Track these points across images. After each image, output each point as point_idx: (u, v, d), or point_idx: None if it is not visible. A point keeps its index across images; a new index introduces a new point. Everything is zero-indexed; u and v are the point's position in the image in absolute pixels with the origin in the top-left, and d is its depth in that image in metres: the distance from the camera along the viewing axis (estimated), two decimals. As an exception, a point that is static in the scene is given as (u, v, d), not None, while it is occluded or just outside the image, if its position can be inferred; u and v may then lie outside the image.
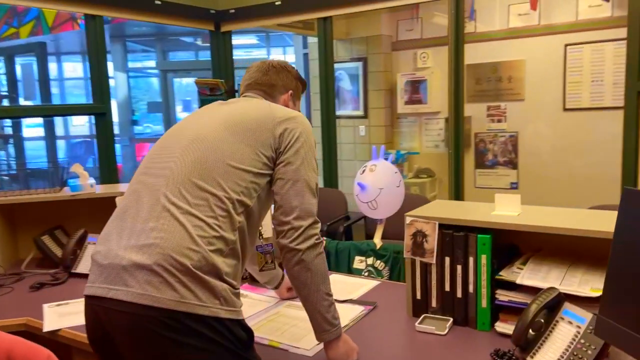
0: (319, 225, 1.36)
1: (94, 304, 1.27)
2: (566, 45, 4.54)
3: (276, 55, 9.07)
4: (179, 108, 9.57)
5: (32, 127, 9.11)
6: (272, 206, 1.43)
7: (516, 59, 4.80)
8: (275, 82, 1.55)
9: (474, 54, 4.59)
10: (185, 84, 10.40)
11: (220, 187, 1.28)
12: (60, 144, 9.39)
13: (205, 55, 9.52)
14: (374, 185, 2.23)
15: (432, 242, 1.65)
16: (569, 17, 4.52)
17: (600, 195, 4.03)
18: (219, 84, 3.66)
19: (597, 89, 4.46)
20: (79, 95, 10.79)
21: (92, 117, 3.45)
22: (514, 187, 4.92)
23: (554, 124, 4.67)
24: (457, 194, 3.36)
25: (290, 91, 1.58)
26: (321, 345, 1.43)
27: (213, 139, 1.34)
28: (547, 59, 4.63)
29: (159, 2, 3.61)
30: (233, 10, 4.06)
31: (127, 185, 2.74)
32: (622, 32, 4.21)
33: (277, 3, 3.84)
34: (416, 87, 5.30)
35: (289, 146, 1.36)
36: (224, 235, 1.26)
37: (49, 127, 6.43)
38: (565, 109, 4.61)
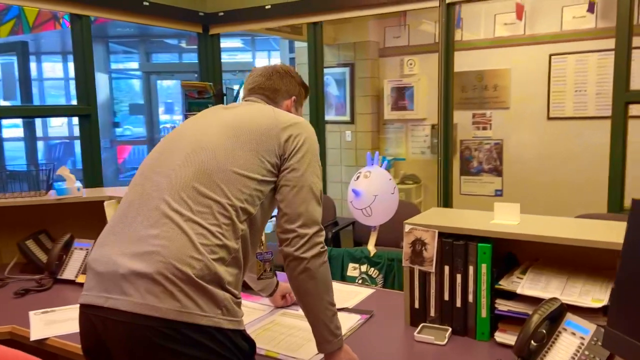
0: (324, 233, 1.34)
1: (90, 313, 1.22)
2: (551, 55, 4.60)
3: (261, 59, 9.04)
4: (160, 110, 9.46)
5: (9, 128, 8.93)
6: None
7: (502, 67, 4.85)
8: (278, 87, 1.53)
9: (460, 61, 4.60)
10: (166, 87, 10.30)
11: (224, 194, 1.25)
12: (38, 146, 9.20)
13: (189, 58, 9.45)
14: (368, 191, 2.22)
15: (431, 251, 1.64)
16: (553, 28, 4.58)
17: (584, 203, 4.08)
18: (208, 87, 3.62)
19: (581, 99, 4.53)
20: (57, 95, 10.61)
21: (72, 118, 3.36)
22: (498, 194, 4.96)
23: (538, 133, 4.73)
24: (446, 200, 3.37)
25: (294, 97, 1.56)
26: (319, 356, 1.41)
27: (217, 144, 1.31)
28: (532, 68, 4.69)
29: (147, 3, 3.56)
30: (222, 13, 4.03)
31: (111, 189, 2.68)
32: (606, 44, 4.32)
33: (267, 7, 3.82)
34: (402, 94, 5.32)
35: (293, 152, 1.34)
36: (227, 244, 1.23)
37: (30, 128, 6.28)
38: (549, 118, 4.67)
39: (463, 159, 5.09)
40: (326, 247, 1.35)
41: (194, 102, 3.66)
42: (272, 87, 1.53)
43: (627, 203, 2.87)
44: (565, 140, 4.59)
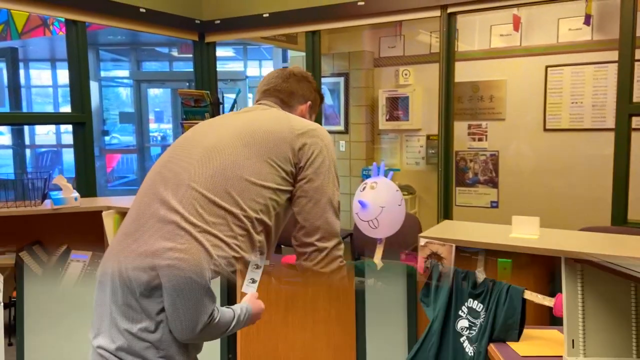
0: (343, 246, 1.28)
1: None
2: (547, 66, 4.61)
3: (253, 68, 8.99)
4: (150, 119, 9.36)
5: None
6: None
7: (497, 78, 4.85)
8: (295, 90, 1.47)
9: (456, 72, 4.62)
10: (154, 96, 10.18)
11: (237, 205, 1.19)
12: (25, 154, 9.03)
13: (180, 67, 9.36)
14: (375, 203, 2.16)
15: (447, 265, 1.59)
16: (550, 40, 4.59)
17: (581, 215, 4.06)
18: (204, 95, 3.56)
19: (577, 111, 4.54)
20: (43, 103, 10.45)
21: (59, 126, 3.25)
22: (494, 205, 4.94)
23: (534, 144, 4.72)
24: (446, 212, 3.33)
25: (309, 102, 1.50)
26: None
27: (230, 152, 1.25)
28: (528, 79, 4.69)
29: (144, 10, 3.50)
30: (218, 21, 3.98)
31: (107, 199, 2.59)
32: (602, 56, 4.33)
33: (264, 15, 3.78)
34: (397, 104, 5.30)
35: (310, 162, 1.28)
36: (244, 256, 1.17)
37: (19, 136, 6.14)
38: (545, 130, 4.66)
39: (458, 170, 5.07)
40: (345, 261, 1.29)
41: (190, 111, 3.59)
42: (288, 90, 1.47)
43: (631, 216, 2.85)
44: (562, 152, 4.58)
